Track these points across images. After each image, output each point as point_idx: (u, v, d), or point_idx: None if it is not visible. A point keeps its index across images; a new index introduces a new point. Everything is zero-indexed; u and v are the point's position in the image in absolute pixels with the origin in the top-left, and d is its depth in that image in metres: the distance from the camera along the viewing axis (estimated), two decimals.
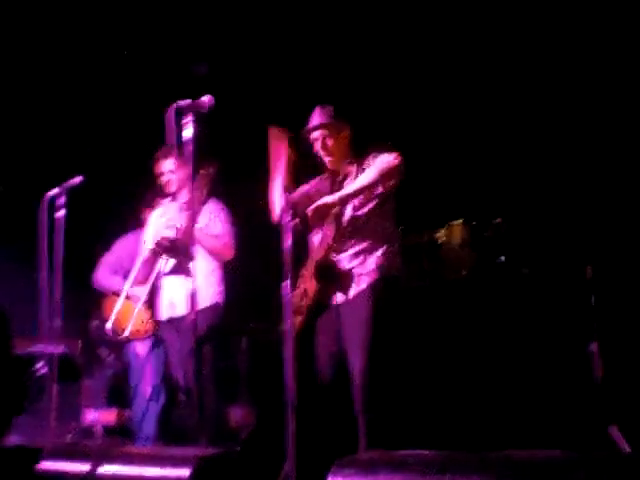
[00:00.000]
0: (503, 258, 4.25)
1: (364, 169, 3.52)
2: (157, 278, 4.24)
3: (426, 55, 4.87)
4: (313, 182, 3.77)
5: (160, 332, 4.37)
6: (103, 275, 4.73)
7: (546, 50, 4.55)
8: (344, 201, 3.46)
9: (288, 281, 3.14)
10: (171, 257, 4.08)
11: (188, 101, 3.22)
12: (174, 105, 3.20)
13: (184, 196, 3.99)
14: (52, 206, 3.78)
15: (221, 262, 4.22)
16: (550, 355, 3.95)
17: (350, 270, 3.47)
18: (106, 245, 4.79)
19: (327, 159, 3.66)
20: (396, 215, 3.60)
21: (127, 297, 4.24)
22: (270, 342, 3.73)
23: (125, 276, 4.44)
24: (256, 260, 4.50)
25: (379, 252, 3.47)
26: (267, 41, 5.04)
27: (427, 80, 4.89)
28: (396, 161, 3.45)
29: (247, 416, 4.83)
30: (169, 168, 4.20)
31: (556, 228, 4.29)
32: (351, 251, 3.49)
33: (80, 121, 5.18)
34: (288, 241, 3.16)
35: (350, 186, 3.48)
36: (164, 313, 4.24)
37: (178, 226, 4.00)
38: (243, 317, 5.03)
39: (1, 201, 3.64)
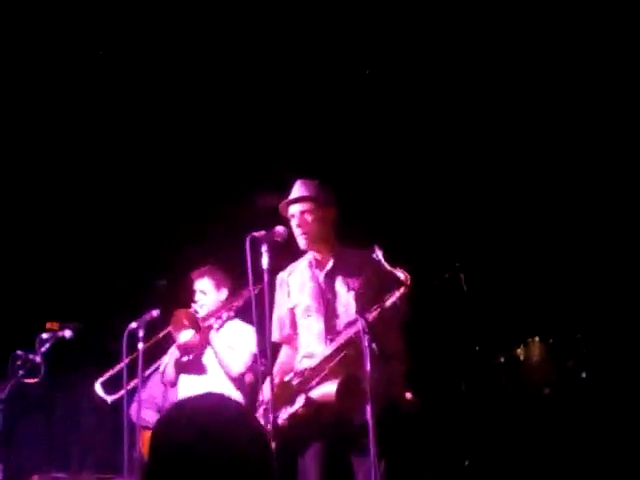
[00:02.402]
0: (584, 374, 4.12)
1: (350, 269, 3.15)
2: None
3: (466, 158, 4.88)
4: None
5: None
6: (134, 411, 4.60)
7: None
8: None
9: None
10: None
11: (262, 232, 3.32)
12: (250, 235, 3.31)
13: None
14: (132, 338, 3.85)
15: (229, 377, 3.97)
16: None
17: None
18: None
19: (301, 237, 3.27)
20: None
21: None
22: None
23: (157, 410, 4.45)
24: None
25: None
26: None
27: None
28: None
29: None
30: (201, 288, 4.13)
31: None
32: None
33: (156, 255, 5.38)
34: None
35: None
36: None
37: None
38: None
39: (84, 334, 3.76)
